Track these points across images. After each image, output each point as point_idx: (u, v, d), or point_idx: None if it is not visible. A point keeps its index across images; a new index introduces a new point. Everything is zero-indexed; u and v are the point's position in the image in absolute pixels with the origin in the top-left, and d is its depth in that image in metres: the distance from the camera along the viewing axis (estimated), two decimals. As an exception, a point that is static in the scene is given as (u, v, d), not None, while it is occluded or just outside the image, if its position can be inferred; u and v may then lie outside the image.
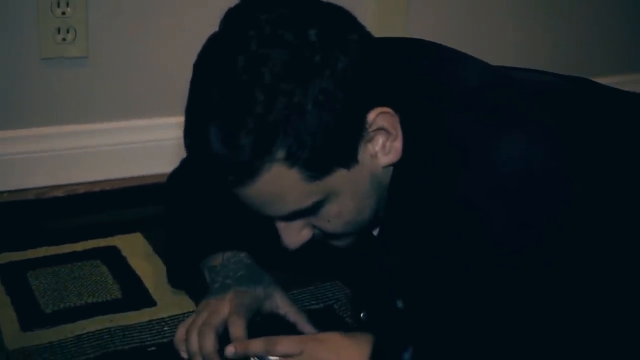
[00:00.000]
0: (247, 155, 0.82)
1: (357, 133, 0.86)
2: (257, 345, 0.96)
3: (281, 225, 0.93)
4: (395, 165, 0.90)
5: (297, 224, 0.92)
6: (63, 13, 1.49)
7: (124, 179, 1.61)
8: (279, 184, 0.84)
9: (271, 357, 0.95)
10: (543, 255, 0.81)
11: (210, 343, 0.97)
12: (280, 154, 0.82)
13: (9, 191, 1.52)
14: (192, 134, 0.86)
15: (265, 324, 1.06)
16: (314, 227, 0.93)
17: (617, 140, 0.93)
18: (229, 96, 0.82)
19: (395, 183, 0.91)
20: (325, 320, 1.12)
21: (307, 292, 1.19)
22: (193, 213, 1.14)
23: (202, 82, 0.86)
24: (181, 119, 1.74)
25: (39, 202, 1.50)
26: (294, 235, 0.93)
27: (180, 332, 1.01)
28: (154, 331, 1.08)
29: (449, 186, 0.85)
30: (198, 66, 0.87)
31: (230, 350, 0.95)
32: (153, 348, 1.04)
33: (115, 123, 1.62)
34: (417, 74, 0.92)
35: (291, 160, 0.83)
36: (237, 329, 0.98)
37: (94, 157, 1.60)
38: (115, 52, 1.57)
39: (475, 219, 0.83)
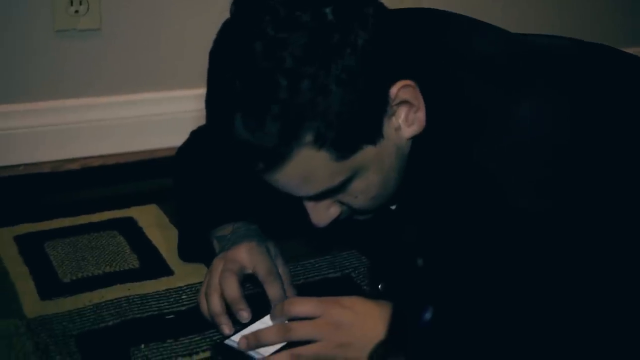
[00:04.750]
0: (275, 142, 0.82)
1: (381, 108, 0.86)
2: (278, 309, 0.95)
3: (309, 205, 0.93)
4: (415, 136, 0.90)
5: (325, 202, 0.92)
6: (76, -15, 1.49)
7: (138, 152, 1.61)
8: (308, 166, 0.84)
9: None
10: (559, 217, 0.81)
11: (234, 288, 0.97)
12: (309, 137, 0.82)
13: (25, 164, 1.53)
14: (218, 125, 0.86)
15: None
16: (340, 204, 0.93)
17: (634, 105, 0.92)
18: (251, 84, 0.81)
19: (414, 153, 0.90)
20: (343, 289, 1.12)
21: (325, 261, 1.19)
22: (202, 185, 1.14)
23: (221, 72, 0.85)
24: (194, 91, 1.73)
25: (54, 175, 1.50)
26: (323, 213, 0.93)
27: (203, 302, 1.00)
28: (172, 299, 1.08)
29: (466, 152, 0.84)
30: (215, 55, 0.86)
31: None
32: (171, 316, 1.05)
33: (128, 96, 1.61)
34: (433, 43, 0.91)
35: (319, 142, 0.82)
36: (263, 263, 0.99)
37: (108, 130, 1.60)
38: (127, 24, 1.57)
39: (492, 183, 0.83)
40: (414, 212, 0.93)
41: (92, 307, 1.05)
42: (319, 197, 0.91)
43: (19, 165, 1.52)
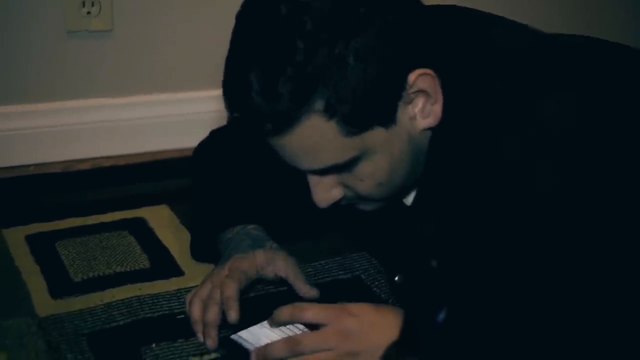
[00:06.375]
0: (285, 103, 0.81)
1: (397, 92, 0.85)
2: (284, 312, 0.96)
3: (313, 180, 0.91)
4: (435, 130, 0.88)
5: (330, 180, 0.91)
6: (88, -14, 1.50)
7: (148, 153, 1.61)
8: (315, 135, 0.84)
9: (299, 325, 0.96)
10: (588, 215, 0.80)
11: (213, 316, 0.98)
12: (319, 105, 0.82)
13: (36, 164, 1.53)
14: (232, 82, 0.86)
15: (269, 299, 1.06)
16: (345, 187, 0.92)
17: None
18: (269, 44, 0.81)
19: (434, 147, 0.89)
20: (354, 291, 1.12)
21: (335, 263, 1.19)
22: (216, 186, 1.14)
23: (244, 31, 0.85)
24: (205, 93, 1.74)
25: (65, 175, 1.50)
26: (326, 192, 0.92)
27: (187, 304, 1.02)
28: (183, 299, 1.08)
29: (494, 148, 0.83)
30: (241, 16, 0.87)
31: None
32: (182, 316, 1.05)
33: (139, 97, 1.62)
34: (459, 37, 0.90)
35: (330, 112, 0.82)
36: (229, 290, 0.99)
37: (119, 131, 1.60)
38: (139, 26, 1.57)
39: (523, 179, 0.81)
40: (432, 206, 0.91)
41: (103, 306, 1.06)
42: (324, 172, 0.90)
43: (29, 165, 1.53)
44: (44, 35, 1.50)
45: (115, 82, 1.59)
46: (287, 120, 0.83)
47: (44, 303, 1.06)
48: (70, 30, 1.51)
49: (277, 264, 1.06)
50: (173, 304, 1.07)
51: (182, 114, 1.64)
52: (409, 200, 0.98)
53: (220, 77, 1.77)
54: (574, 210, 0.80)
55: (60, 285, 1.11)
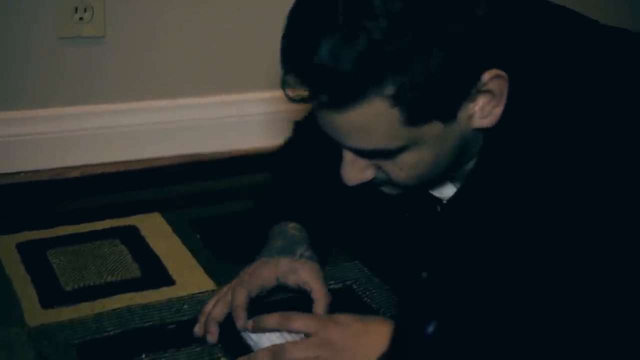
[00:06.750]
0: (355, 78, 0.76)
1: (467, 89, 0.81)
2: (271, 320, 0.96)
3: (348, 157, 0.87)
4: (490, 132, 0.85)
5: (365, 161, 0.87)
6: (80, -8, 1.49)
7: (140, 160, 1.60)
8: (374, 119, 0.79)
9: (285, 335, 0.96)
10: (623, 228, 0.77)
11: (217, 312, 1.01)
12: (389, 89, 0.77)
13: (25, 172, 1.52)
14: (298, 38, 0.79)
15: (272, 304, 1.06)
16: (378, 169, 0.88)
17: None
18: (355, 13, 0.75)
19: (490, 150, 0.86)
20: (345, 301, 1.12)
21: (326, 273, 1.18)
22: (286, 184, 1.15)
23: None
24: (197, 100, 1.73)
25: (54, 183, 1.50)
26: (357, 172, 0.88)
27: (209, 305, 1.04)
28: (174, 309, 1.08)
29: (558, 173, 0.80)
30: None
31: (249, 324, 0.98)
32: (173, 326, 1.05)
33: (131, 103, 1.61)
34: (537, 38, 0.86)
35: (398, 99, 0.77)
36: (238, 298, 1.00)
37: (109, 138, 1.59)
38: (131, 32, 1.57)
39: (586, 212, 0.78)
40: (469, 208, 0.88)
41: (93, 316, 1.05)
42: (365, 153, 0.85)
43: (18, 173, 1.52)
44: (35, 42, 1.49)
45: (107, 89, 1.59)
46: (350, 97, 0.77)
47: (34, 312, 1.06)
48: (62, 36, 1.50)
49: (300, 274, 1.03)
50: (164, 314, 1.07)
51: (174, 121, 1.63)
52: (436, 192, 0.96)
53: (214, 84, 1.76)
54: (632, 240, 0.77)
55: (50, 295, 1.10)
